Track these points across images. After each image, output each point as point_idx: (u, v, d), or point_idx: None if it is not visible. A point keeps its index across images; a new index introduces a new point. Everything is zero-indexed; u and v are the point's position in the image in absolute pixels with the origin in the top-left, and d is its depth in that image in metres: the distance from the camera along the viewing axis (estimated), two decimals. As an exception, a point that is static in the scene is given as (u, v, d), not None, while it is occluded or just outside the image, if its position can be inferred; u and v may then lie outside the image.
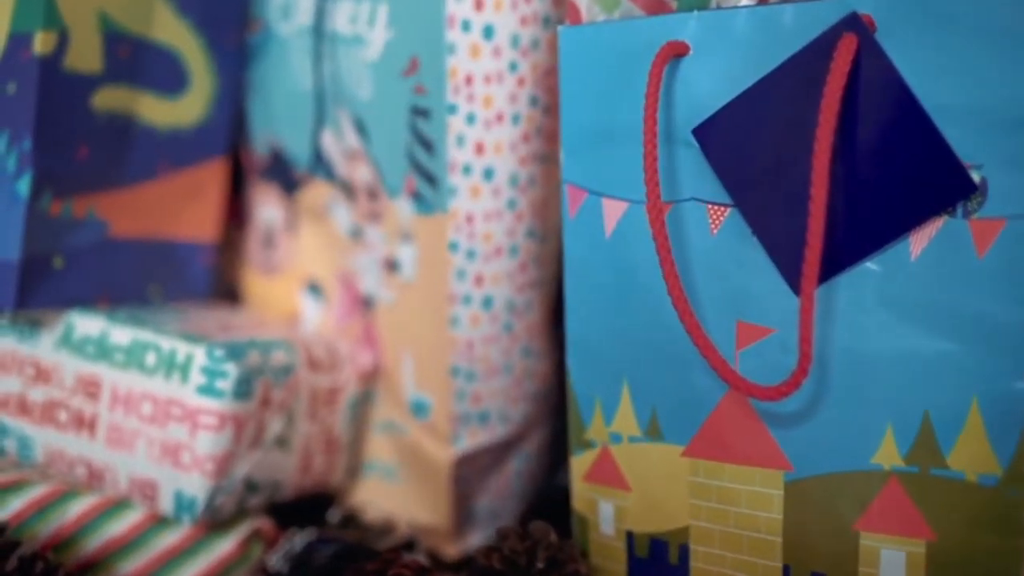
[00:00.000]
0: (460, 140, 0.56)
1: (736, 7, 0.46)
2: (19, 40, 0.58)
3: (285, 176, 0.68)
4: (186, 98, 0.65)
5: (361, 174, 0.63)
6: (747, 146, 0.45)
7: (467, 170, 0.57)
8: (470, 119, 0.56)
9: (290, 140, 0.67)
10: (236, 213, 0.73)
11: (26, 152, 0.57)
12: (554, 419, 0.68)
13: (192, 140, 0.66)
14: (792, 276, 0.44)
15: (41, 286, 0.59)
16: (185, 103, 0.65)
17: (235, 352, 0.57)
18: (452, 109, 0.56)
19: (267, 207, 0.71)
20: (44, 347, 0.61)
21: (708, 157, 0.45)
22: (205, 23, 0.65)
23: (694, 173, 0.47)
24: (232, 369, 0.57)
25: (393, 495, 0.67)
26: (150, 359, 0.58)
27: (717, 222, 0.46)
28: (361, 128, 0.62)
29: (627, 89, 0.48)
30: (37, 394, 0.61)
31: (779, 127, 0.44)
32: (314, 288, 0.69)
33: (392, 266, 0.62)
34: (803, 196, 0.43)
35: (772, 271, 0.45)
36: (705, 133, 0.45)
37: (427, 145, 0.57)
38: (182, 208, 0.66)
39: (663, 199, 0.47)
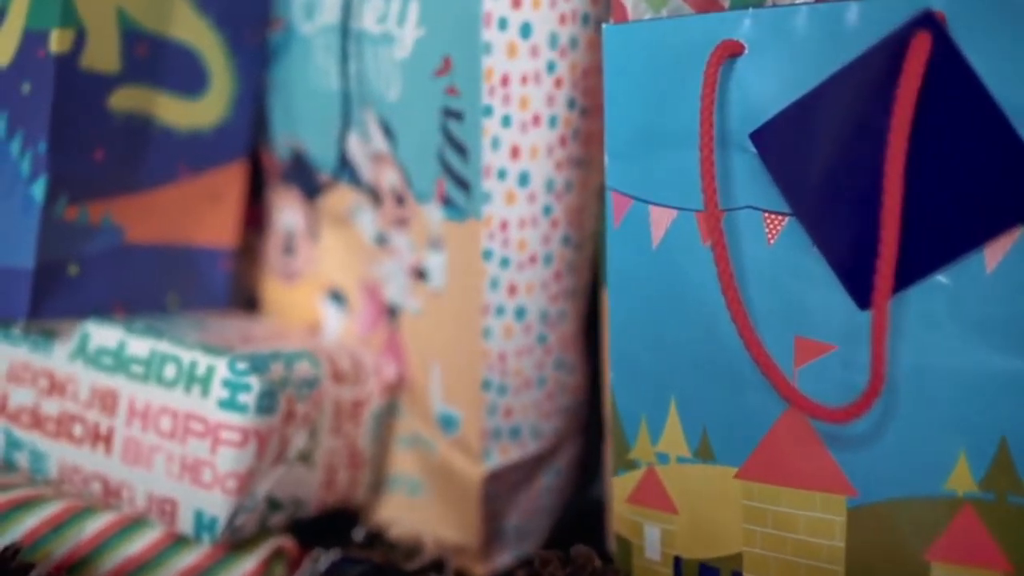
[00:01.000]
0: (495, 143, 0.54)
1: (795, 4, 0.43)
2: (34, 38, 0.55)
3: (307, 180, 0.66)
4: (205, 99, 0.63)
5: (387, 178, 0.60)
6: (808, 152, 0.42)
7: (502, 175, 0.54)
8: (505, 121, 0.53)
9: (312, 142, 0.65)
10: (255, 218, 0.71)
11: (41, 155, 0.55)
12: (585, 433, 0.65)
13: (211, 142, 0.64)
14: (855, 289, 0.42)
15: (55, 295, 0.57)
16: (204, 104, 0.63)
17: (258, 364, 0.55)
18: (487, 111, 0.53)
19: (287, 212, 0.68)
20: (58, 358, 0.58)
21: (766, 163, 0.43)
22: (225, 21, 0.63)
23: (749, 180, 0.44)
24: (255, 382, 0.54)
25: (418, 511, 0.64)
26: (169, 371, 0.55)
27: (774, 231, 0.43)
28: (388, 130, 0.59)
29: (677, 90, 0.46)
30: (51, 407, 0.58)
31: (844, 132, 0.41)
32: (336, 296, 0.67)
33: (420, 274, 0.60)
34: (869, 205, 0.40)
35: (833, 284, 0.42)
36: (763, 137, 0.43)
37: (460, 149, 0.55)
38: (201, 213, 0.64)
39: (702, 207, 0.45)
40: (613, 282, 0.49)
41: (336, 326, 0.67)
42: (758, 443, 0.44)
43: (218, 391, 0.54)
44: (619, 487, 0.49)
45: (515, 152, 0.54)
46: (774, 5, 0.45)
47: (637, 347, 0.48)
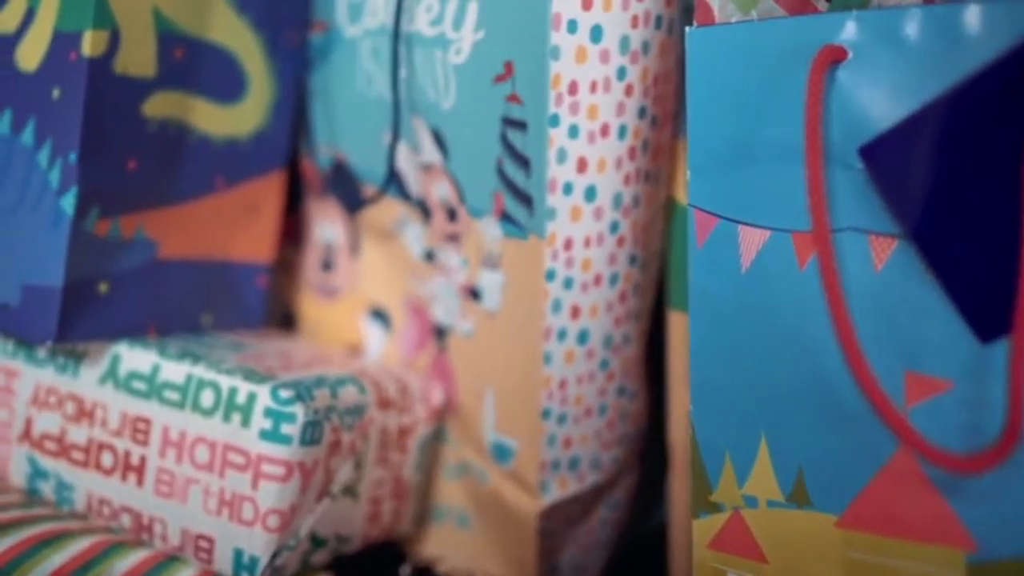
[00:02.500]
0: (561, 155, 0.50)
1: (904, 5, 0.39)
2: (66, 40, 0.51)
3: (349, 191, 0.62)
4: (243, 105, 0.59)
5: (438, 191, 0.56)
6: (924, 169, 0.38)
7: (567, 189, 0.50)
8: (573, 132, 0.50)
9: (355, 152, 0.61)
10: (291, 231, 0.67)
11: (71, 165, 0.51)
12: (642, 461, 0.61)
13: (249, 151, 0.60)
14: (976, 321, 0.38)
15: (85, 315, 0.53)
16: (242, 110, 0.59)
17: (303, 392, 0.51)
18: (554, 120, 0.49)
19: (327, 225, 0.64)
20: (86, 382, 0.54)
21: (876, 180, 0.39)
22: (265, 22, 0.59)
23: (853, 198, 0.40)
24: (300, 412, 0.50)
25: (467, 545, 0.60)
26: (207, 399, 0.52)
27: (882, 256, 0.39)
28: (440, 140, 0.55)
29: (770, 100, 0.42)
30: (78, 434, 0.54)
31: (967, 149, 0.37)
32: (378, 315, 0.63)
33: (473, 294, 0.56)
34: (995, 229, 0.36)
35: (949, 314, 0.38)
36: (874, 153, 0.39)
37: (522, 161, 0.51)
38: (237, 226, 0.60)
39: (802, 227, 0.41)
40: (696, 307, 0.45)
41: (378, 347, 0.63)
42: (863, 488, 0.40)
43: (260, 421, 0.50)
44: (699, 531, 0.45)
45: (582, 165, 0.50)
46: (880, 6, 0.41)
47: (722, 378, 0.44)
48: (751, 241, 0.43)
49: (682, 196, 0.55)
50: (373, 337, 0.63)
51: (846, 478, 0.41)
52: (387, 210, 0.60)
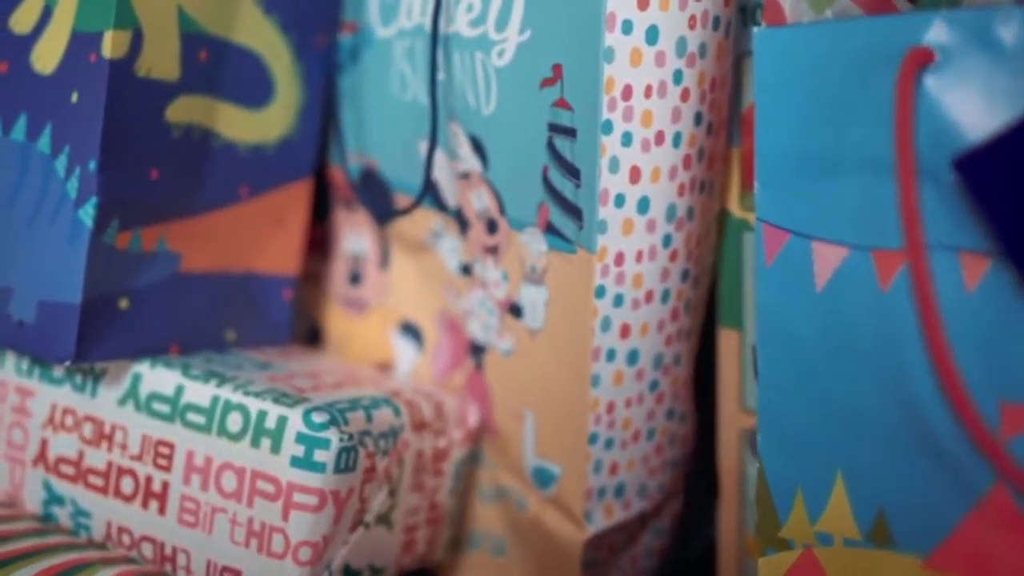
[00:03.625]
0: (613, 165, 0.47)
1: (999, 5, 0.36)
2: (85, 40, 0.48)
3: (379, 200, 0.59)
4: (270, 110, 0.56)
5: (477, 201, 0.53)
6: (1022, 183, 0.35)
7: (619, 201, 0.47)
8: (626, 139, 0.46)
9: (387, 159, 0.58)
10: (318, 242, 0.64)
11: (91, 174, 0.48)
12: (688, 486, 0.58)
13: (275, 159, 0.57)
14: (1082, 348, 0.34)
15: (104, 332, 0.50)
16: (269, 116, 0.56)
17: (336, 416, 0.48)
18: (607, 127, 0.46)
19: (355, 236, 0.61)
20: (105, 402, 0.51)
21: (971, 195, 0.36)
22: (293, 23, 0.56)
23: (941, 214, 0.37)
24: (334, 437, 0.47)
25: (503, 573, 0.57)
26: (234, 422, 0.48)
27: (975, 276, 0.36)
28: (479, 147, 0.52)
29: (848, 106, 0.39)
30: (96, 458, 0.51)
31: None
32: (409, 330, 0.60)
33: (513, 310, 0.53)
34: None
35: (1050, 340, 0.35)
36: (968, 165, 0.36)
37: (570, 170, 0.48)
38: (263, 237, 0.57)
39: (893, 245, 0.38)
40: (764, 331, 0.42)
41: (409, 364, 0.60)
42: (953, 528, 0.37)
43: (291, 447, 0.47)
44: (768, 570, 0.42)
45: (635, 175, 0.47)
46: (972, 6, 0.38)
47: (794, 407, 0.41)
48: (826, 259, 0.40)
49: (735, 207, 0.52)
50: (404, 354, 0.60)
51: (934, 516, 0.37)
52: (420, 221, 0.57)
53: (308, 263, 0.64)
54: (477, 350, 0.56)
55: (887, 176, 0.38)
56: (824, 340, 0.40)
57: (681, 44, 0.46)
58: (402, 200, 0.58)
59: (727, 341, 0.53)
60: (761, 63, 0.41)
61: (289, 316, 0.59)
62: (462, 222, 0.55)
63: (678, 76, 0.46)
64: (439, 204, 0.56)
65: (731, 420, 0.54)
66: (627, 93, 0.46)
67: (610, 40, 0.45)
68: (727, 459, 0.54)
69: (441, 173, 0.55)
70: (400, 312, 0.60)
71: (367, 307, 0.62)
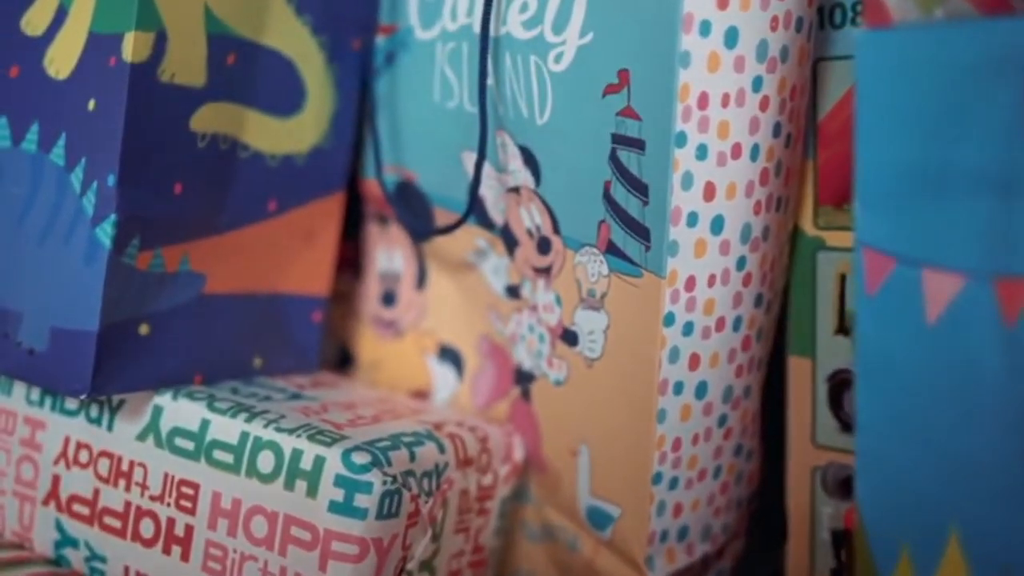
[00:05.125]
0: (687, 180, 0.42)
1: None
2: (103, 43, 0.44)
3: (417, 216, 0.55)
4: (300, 118, 0.52)
5: (528, 218, 0.49)
6: None
7: (692, 220, 0.43)
8: (701, 152, 0.42)
9: (426, 171, 0.53)
10: (348, 259, 0.60)
11: (110, 189, 0.44)
12: (751, 526, 0.54)
13: (306, 171, 0.52)
14: None
15: (124, 362, 0.46)
16: (299, 124, 0.52)
17: (378, 456, 0.44)
18: (680, 140, 0.42)
19: (389, 253, 0.57)
20: (123, 437, 0.47)
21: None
22: (325, 25, 0.52)
23: (1078, 239, 0.33)
24: (376, 480, 0.43)
25: (550, 620, 0.53)
26: (265, 462, 0.44)
27: (1119, 311, 0.32)
28: (531, 159, 0.48)
29: (966, 118, 0.34)
30: (113, 497, 0.47)
31: None
32: (448, 355, 0.56)
33: (567, 337, 0.49)
34: None
35: None
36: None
37: (637, 186, 0.43)
38: (291, 255, 0.53)
39: (1013, 271, 0.34)
40: (865, 368, 0.37)
41: (448, 392, 0.56)
42: (1093, 598, 0.33)
43: (329, 490, 0.43)
44: (866, 635, 0.38)
45: (709, 191, 0.43)
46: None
47: (900, 453, 0.36)
48: (940, 289, 0.35)
49: (808, 225, 0.48)
50: (442, 381, 0.56)
51: (1069, 583, 0.33)
52: (462, 238, 0.53)
53: (337, 282, 0.60)
54: (524, 378, 0.52)
55: (1013, 196, 0.33)
56: (937, 379, 0.35)
57: (762, 47, 0.42)
58: (442, 216, 0.54)
59: (798, 370, 0.49)
60: (863, 69, 0.36)
61: (318, 340, 0.55)
62: (509, 240, 0.51)
63: (757, 83, 0.42)
64: (484, 221, 0.52)
65: (802, 457, 0.49)
66: (703, 101, 0.41)
67: (686, 43, 0.41)
68: (797, 499, 0.50)
69: (487, 187, 0.51)
70: (438, 336, 0.56)
71: (401, 330, 0.57)
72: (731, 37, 0.41)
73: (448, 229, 0.50)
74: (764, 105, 0.43)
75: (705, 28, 0.41)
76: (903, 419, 0.36)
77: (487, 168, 0.50)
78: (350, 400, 0.51)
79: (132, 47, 0.43)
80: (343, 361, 0.60)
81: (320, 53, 0.52)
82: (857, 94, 0.37)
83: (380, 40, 0.54)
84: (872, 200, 0.37)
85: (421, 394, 0.57)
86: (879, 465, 0.37)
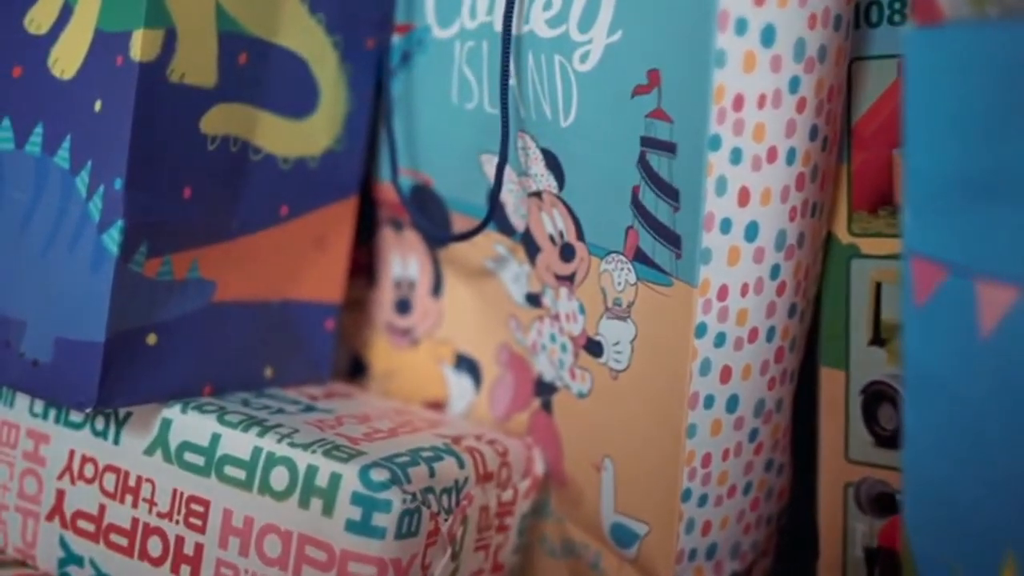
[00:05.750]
0: (720, 185, 0.40)
1: None
2: (110, 41, 0.42)
3: (433, 221, 0.53)
4: (313, 120, 0.50)
5: (550, 224, 0.47)
6: None
7: (726, 226, 0.41)
8: (735, 156, 0.40)
9: (443, 175, 0.52)
10: (361, 265, 0.58)
11: (117, 193, 0.42)
12: (779, 544, 0.52)
13: (319, 174, 0.51)
14: None
15: (131, 373, 0.44)
16: (312, 126, 0.50)
17: (397, 473, 0.42)
18: (714, 143, 0.40)
19: (404, 259, 0.55)
20: (130, 451, 0.45)
21: None
22: (340, 22, 0.50)
23: None
24: (395, 498, 0.41)
25: (571, 639, 0.51)
26: (278, 479, 0.42)
27: None
28: (554, 163, 0.46)
29: (1021, 119, 0.32)
30: (120, 513, 0.45)
31: None
32: (465, 364, 0.54)
33: (591, 347, 0.47)
34: None
35: None
36: None
37: (667, 191, 0.42)
38: (304, 261, 0.51)
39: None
40: (913, 383, 0.35)
41: (464, 403, 0.54)
42: None
43: (346, 509, 0.41)
44: (913, 664, 0.36)
45: (744, 196, 0.41)
46: None
47: (950, 473, 0.35)
48: (994, 300, 0.33)
49: (842, 231, 0.46)
50: (459, 391, 0.54)
51: None
52: (481, 244, 0.51)
53: (349, 289, 0.58)
54: (544, 389, 0.50)
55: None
56: (991, 396, 0.34)
57: (799, 46, 0.40)
58: (459, 221, 0.52)
59: (830, 383, 0.47)
60: (912, 69, 0.35)
61: (331, 349, 0.53)
62: (530, 247, 0.49)
63: (794, 83, 0.40)
64: (504, 226, 0.50)
65: (834, 472, 0.47)
66: (738, 103, 0.40)
67: (722, 41, 0.39)
68: (829, 515, 0.48)
69: (507, 191, 0.49)
70: (454, 345, 0.54)
71: (417, 338, 0.55)
72: (768, 35, 0.39)
73: (468, 235, 0.48)
74: (801, 107, 0.41)
75: (741, 26, 0.39)
76: (954, 437, 0.35)
77: (507, 172, 0.48)
78: (365, 412, 0.49)
79: (140, 45, 0.42)
80: (355, 370, 0.58)
81: (334, 52, 0.50)
82: (906, 95, 0.35)
83: (395, 39, 0.52)
84: (922, 206, 0.35)
85: (437, 405, 0.55)
86: (928, 485, 0.35)
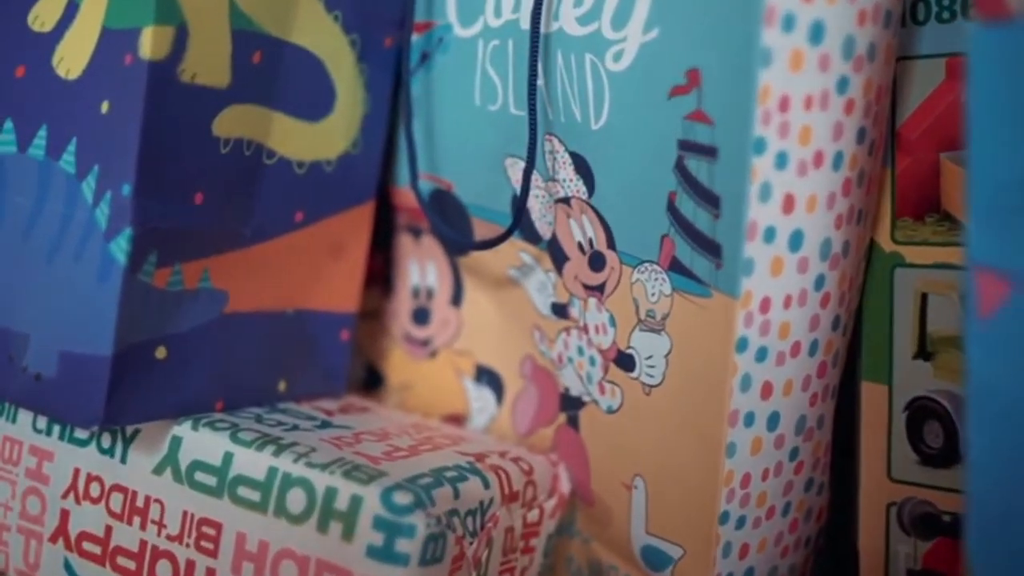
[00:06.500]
0: (764, 192, 0.38)
1: None
2: (118, 39, 0.40)
3: (454, 228, 0.51)
4: (330, 122, 0.48)
5: (579, 231, 0.45)
6: None
7: (769, 235, 0.39)
8: (780, 161, 0.38)
9: (465, 179, 0.49)
10: (377, 273, 0.56)
11: (125, 199, 0.40)
12: (816, 566, 0.50)
13: (335, 179, 0.48)
14: None
15: (139, 389, 0.42)
16: (328, 129, 0.48)
17: (421, 496, 0.40)
18: (759, 146, 0.38)
19: (422, 267, 0.53)
20: (138, 470, 0.43)
21: None
22: (357, 20, 0.48)
23: None
24: (420, 523, 0.39)
25: (598, 665, 0.49)
26: (295, 501, 0.40)
27: None
28: (584, 168, 0.44)
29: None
30: (127, 535, 0.43)
31: None
32: (486, 377, 0.51)
33: (621, 361, 0.45)
34: None
35: None
36: None
37: (707, 197, 0.39)
38: (319, 270, 0.49)
39: None
40: (977, 402, 0.33)
41: (486, 417, 0.52)
42: None
43: (367, 534, 0.39)
44: None
45: (788, 203, 0.39)
46: None
47: (1018, 498, 0.32)
48: (1068, 316, 0.31)
49: (885, 240, 0.44)
50: (480, 405, 0.52)
51: None
52: (504, 252, 0.49)
53: (364, 298, 0.56)
54: (571, 404, 0.48)
55: None
56: (1063, 419, 0.31)
57: (848, 44, 0.38)
58: (481, 227, 0.50)
59: (872, 398, 0.45)
60: (978, 68, 0.32)
61: (347, 360, 0.51)
62: (557, 255, 0.47)
63: (843, 84, 0.38)
64: (529, 234, 0.47)
65: (876, 492, 0.45)
66: (784, 104, 0.37)
67: (768, 39, 0.37)
68: (870, 537, 0.46)
69: (533, 197, 0.47)
70: (475, 356, 0.52)
71: (435, 349, 0.53)
72: (816, 32, 0.37)
73: (492, 243, 0.46)
74: (849, 108, 0.38)
75: (789, 22, 0.37)
76: (1018, 461, 0.32)
77: (533, 176, 0.46)
78: (383, 428, 0.47)
79: (150, 43, 0.39)
80: (371, 382, 0.56)
81: (350, 52, 0.48)
82: (970, 97, 0.33)
83: (414, 38, 0.50)
84: (987, 214, 0.33)
85: (456, 419, 0.53)
86: (994, 512, 0.33)
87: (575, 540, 0.49)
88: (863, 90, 0.39)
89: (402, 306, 0.54)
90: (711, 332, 0.40)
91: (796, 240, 0.39)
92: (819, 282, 0.40)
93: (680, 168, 0.40)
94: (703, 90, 0.39)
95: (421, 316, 0.54)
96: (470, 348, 0.52)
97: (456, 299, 0.52)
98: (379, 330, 0.55)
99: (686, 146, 0.40)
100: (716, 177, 0.39)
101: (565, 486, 0.48)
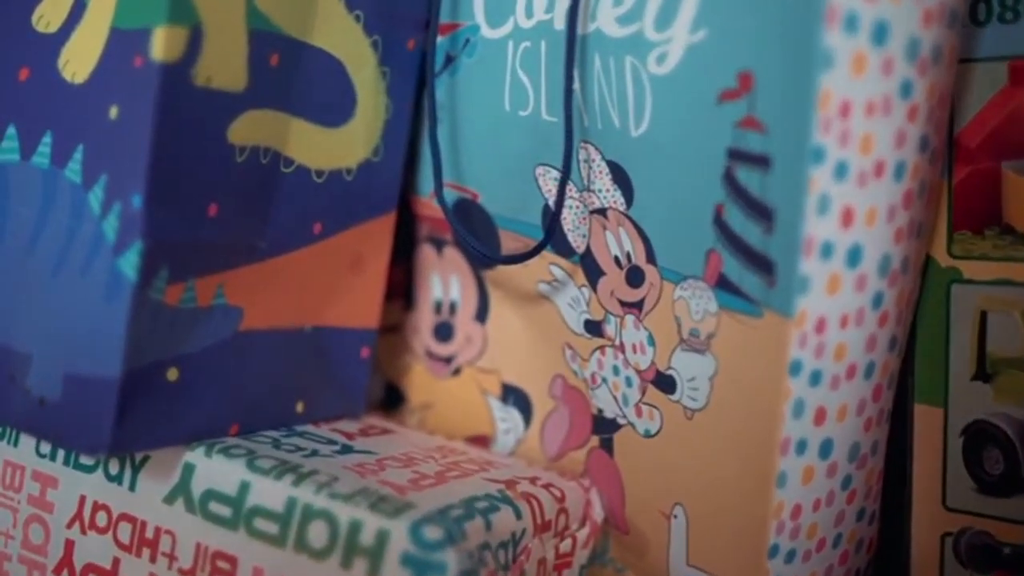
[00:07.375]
0: (823, 204, 0.35)
1: None
2: (128, 39, 0.38)
3: (480, 240, 0.48)
4: (350, 128, 0.45)
5: (616, 245, 0.42)
6: None
7: (827, 251, 0.36)
8: (840, 171, 0.35)
9: (492, 189, 0.47)
10: (397, 287, 0.53)
11: (135, 211, 0.37)
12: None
13: (355, 188, 0.46)
14: None
15: (149, 414, 0.39)
16: (348, 135, 0.45)
17: (452, 529, 0.37)
18: (817, 155, 0.35)
19: (445, 281, 0.50)
20: (148, 499, 0.40)
21: None
22: (378, 21, 0.45)
23: None
24: (451, 559, 0.36)
25: None
26: (317, 535, 0.37)
27: None
28: (623, 177, 0.41)
29: None
30: (135, 569, 0.40)
31: None
32: (514, 397, 0.49)
33: (660, 382, 0.42)
34: None
35: None
36: None
37: (759, 210, 0.37)
38: (338, 284, 0.46)
39: None
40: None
41: (513, 439, 0.49)
42: None
43: (395, 571, 0.36)
44: None
45: (847, 217, 0.36)
46: None
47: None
48: None
49: (941, 254, 0.41)
50: (506, 426, 0.49)
51: None
52: (535, 266, 0.46)
53: (384, 313, 0.53)
54: (605, 427, 0.45)
55: None
56: None
57: (912, 46, 0.35)
58: (509, 240, 0.47)
59: (926, 421, 0.42)
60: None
61: (367, 379, 0.48)
62: (591, 269, 0.44)
63: (906, 88, 0.35)
64: (561, 247, 0.45)
65: (930, 521, 0.43)
66: (844, 110, 0.35)
67: (829, 40, 0.34)
68: (923, 569, 0.43)
69: (566, 208, 0.44)
70: (501, 375, 0.49)
71: (458, 366, 0.51)
72: (880, 33, 0.34)
73: (523, 257, 0.43)
74: (912, 115, 0.36)
75: (851, 23, 0.34)
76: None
77: (567, 186, 0.44)
78: (408, 453, 0.44)
79: (163, 44, 0.37)
80: (390, 401, 0.54)
81: (371, 54, 0.45)
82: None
83: (439, 40, 0.47)
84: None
85: (481, 440, 0.50)
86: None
87: (607, 569, 0.47)
88: (927, 95, 0.36)
89: (423, 321, 0.52)
90: (761, 354, 0.38)
91: (854, 256, 0.36)
92: (877, 300, 0.38)
93: (728, 178, 0.37)
94: (755, 95, 0.36)
95: (444, 332, 0.51)
96: (496, 366, 0.49)
97: (481, 314, 0.50)
98: (399, 346, 0.53)
99: (736, 155, 0.37)
100: (769, 188, 0.36)
101: (598, 514, 0.45)
